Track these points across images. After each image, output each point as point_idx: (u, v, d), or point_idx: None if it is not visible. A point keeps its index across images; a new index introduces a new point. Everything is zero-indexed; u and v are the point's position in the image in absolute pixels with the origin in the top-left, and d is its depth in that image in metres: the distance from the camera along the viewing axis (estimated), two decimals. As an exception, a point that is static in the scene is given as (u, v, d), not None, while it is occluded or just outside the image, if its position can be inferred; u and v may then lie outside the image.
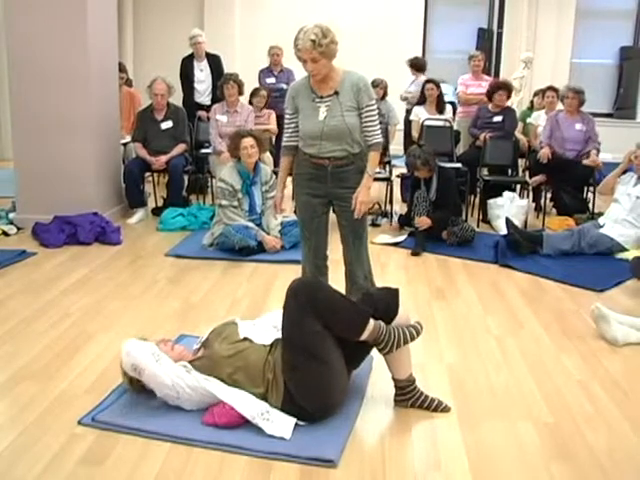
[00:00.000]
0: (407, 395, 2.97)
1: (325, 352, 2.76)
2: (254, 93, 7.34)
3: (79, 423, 2.78)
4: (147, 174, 6.78)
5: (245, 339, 2.96)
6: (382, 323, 2.85)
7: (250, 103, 7.24)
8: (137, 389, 2.92)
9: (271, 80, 8.03)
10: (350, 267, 3.81)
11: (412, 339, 2.89)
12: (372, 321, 2.82)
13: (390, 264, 5.24)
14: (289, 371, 2.77)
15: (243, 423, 2.75)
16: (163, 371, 2.80)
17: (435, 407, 2.97)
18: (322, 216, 3.77)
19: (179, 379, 2.80)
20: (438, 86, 7.36)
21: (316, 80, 3.53)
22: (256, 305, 4.26)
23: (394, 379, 2.99)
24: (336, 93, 3.53)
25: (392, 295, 2.97)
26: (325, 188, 3.65)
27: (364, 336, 2.80)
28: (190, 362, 2.93)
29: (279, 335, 2.90)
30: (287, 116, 3.71)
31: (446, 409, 2.98)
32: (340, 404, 2.87)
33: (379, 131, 3.64)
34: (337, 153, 3.57)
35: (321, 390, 2.76)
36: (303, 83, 3.64)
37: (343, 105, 3.52)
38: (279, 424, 2.72)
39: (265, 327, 3.05)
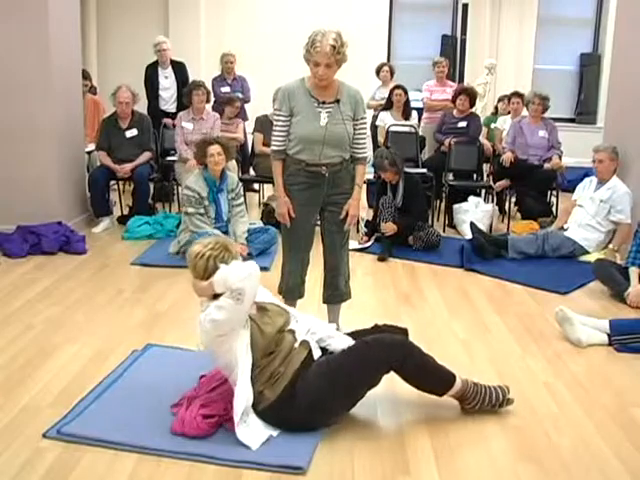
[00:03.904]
0: (470, 399, 3.00)
1: (359, 394, 2.86)
2: (229, 102, 7.33)
3: (44, 436, 2.73)
4: (112, 182, 6.72)
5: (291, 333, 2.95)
6: (470, 381, 2.98)
7: (220, 111, 7.23)
8: (197, 273, 2.85)
9: (226, 89, 7.94)
10: (334, 272, 3.80)
11: (497, 401, 3.01)
12: (459, 380, 2.95)
13: (357, 270, 5.25)
14: (321, 376, 2.79)
15: (212, 434, 2.74)
16: (245, 314, 2.75)
17: (501, 402, 3.02)
18: (314, 227, 3.77)
19: (239, 333, 2.74)
20: (406, 92, 7.41)
21: (321, 86, 3.49)
22: (224, 313, 4.23)
23: (451, 396, 3.02)
24: (337, 101, 3.53)
25: (402, 334, 3.07)
26: (322, 195, 3.63)
27: (447, 395, 2.95)
28: (251, 317, 2.84)
29: (307, 339, 2.94)
30: (282, 118, 3.55)
31: (510, 402, 3.05)
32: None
33: (367, 145, 3.73)
34: (334, 159, 3.56)
35: (327, 410, 2.81)
36: (299, 86, 3.55)
37: (344, 114, 3.54)
38: (253, 432, 2.71)
39: (303, 328, 3.01)
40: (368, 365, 2.82)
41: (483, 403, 2.99)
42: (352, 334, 3.06)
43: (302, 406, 2.75)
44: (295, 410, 2.75)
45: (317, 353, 2.93)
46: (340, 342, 2.97)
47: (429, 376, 2.94)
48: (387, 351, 2.82)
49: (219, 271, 2.75)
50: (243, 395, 2.73)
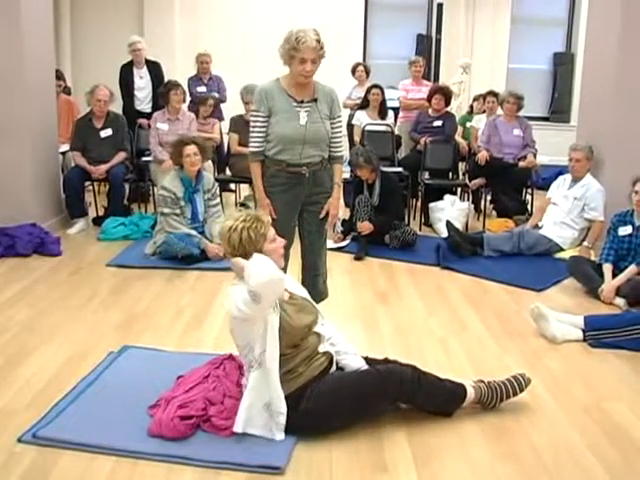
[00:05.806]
0: (487, 401, 3.01)
1: (359, 420, 2.86)
2: (202, 102, 7.33)
3: (19, 441, 2.70)
4: (87, 183, 6.66)
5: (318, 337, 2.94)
6: (483, 386, 2.99)
7: (195, 111, 7.20)
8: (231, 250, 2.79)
9: (202, 89, 7.93)
10: (313, 272, 3.82)
11: (514, 391, 3.03)
12: (470, 391, 2.96)
13: (334, 269, 5.23)
14: (332, 393, 2.78)
15: (189, 435, 2.73)
16: (262, 314, 2.67)
17: (520, 388, 3.04)
18: (295, 227, 3.75)
19: (267, 315, 2.69)
20: (383, 92, 7.43)
21: (304, 83, 3.48)
22: (200, 314, 4.22)
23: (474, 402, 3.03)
24: (315, 100, 3.53)
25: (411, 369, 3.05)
26: (302, 196, 3.63)
27: (462, 405, 2.96)
28: (282, 305, 2.80)
29: (330, 350, 2.94)
30: (260, 119, 3.53)
31: (529, 381, 3.07)
32: None
33: (343, 143, 3.74)
34: (315, 159, 3.57)
35: (325, 425, 2.80)
36: (275, 85, 3.54)
37: (321, 112, 3.55)
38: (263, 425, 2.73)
39: (327, 334, 3.00)
40: (377, 396, 2.84)
41: (502, 400, 3.01)
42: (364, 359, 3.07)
43: (304, 413, 2.74)
44: (295, 414, 2.73)
45: (334, 368, 2.94)
46: (354, 362, 2.98)
47: (437, 402, 2.95)
48: (397, 387, 2.83)
49: (248, 262, 2.68)
50: (277, 384, 2.71)
